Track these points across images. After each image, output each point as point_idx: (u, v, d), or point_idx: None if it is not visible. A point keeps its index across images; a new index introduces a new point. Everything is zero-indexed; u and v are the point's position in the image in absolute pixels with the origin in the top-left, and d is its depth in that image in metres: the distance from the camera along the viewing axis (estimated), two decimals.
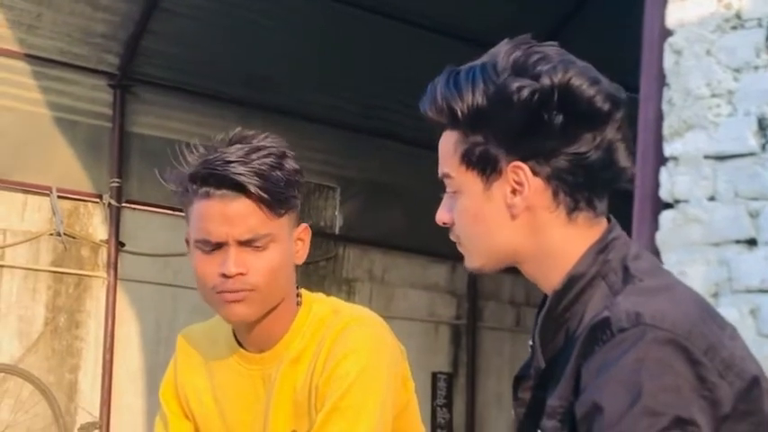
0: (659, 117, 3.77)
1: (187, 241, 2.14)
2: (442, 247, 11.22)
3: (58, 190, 7.92)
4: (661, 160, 3.75)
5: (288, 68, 8.60)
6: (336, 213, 9.56)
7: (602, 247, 1.62)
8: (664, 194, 3.73)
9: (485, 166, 1.62)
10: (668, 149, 3.74)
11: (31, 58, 7.75)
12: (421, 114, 1.75)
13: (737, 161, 3.63)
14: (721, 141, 3.66)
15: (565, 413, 1.55)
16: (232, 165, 2.04)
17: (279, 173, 2.06)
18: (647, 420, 1.44)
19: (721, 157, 3.66)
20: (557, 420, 1.56)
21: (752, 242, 3.59)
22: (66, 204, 8.04)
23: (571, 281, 1.61)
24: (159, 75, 8.28)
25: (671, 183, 3.73)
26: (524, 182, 1.61)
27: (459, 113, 1.63)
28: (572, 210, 1.62)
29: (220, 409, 2.21)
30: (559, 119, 1.59)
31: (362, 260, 9.69)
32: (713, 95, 3.68)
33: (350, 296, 9.14)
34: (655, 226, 3.74)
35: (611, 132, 1.62)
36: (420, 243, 9.73)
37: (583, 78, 1.60)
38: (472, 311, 10.28)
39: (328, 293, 2.28)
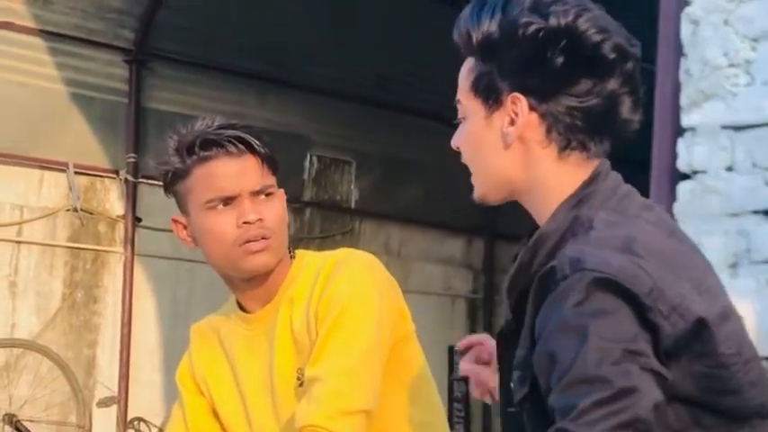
0: (677, 88, 3.76)
1: (175, 222, 2.25)
2: (458, 221, 11.21)
3: (75, 166, 7.93)
4: (678, 131, 3.74)
5: (303, 42, 8.58)
6: (352, 187, 9.55)
7: (575, 201, 1.65)
8: (681, 165, 3.72)
9: (489, 95, 1.68)
10: (686, 120, 3.73)
11: (46, 33, 7.74)
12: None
13: (755, 131, 3.61)
14: (739, 111, 3.64)
15: (527, 363, 1.59)
16: (225, 128, 2.19)
17: (261, 137, 2.23)
18: (597, 356, 1.48)
19: (739, 128, 3.64)
20: (521, 370, 1.61)
21: None
22: (83, 180, 8.05)
23: (541, 237, 1.65)
24: (175, 49, 8.27)
25: (688, 153, 3.71)
26: (520, 113, 1.65)
27: (475, 41, 1.68)
28: (563, 148, 1.66)
29: (235, 376, 2.27)
30: (560, 60, 1.63)
31: (378, 234, 9.69)
32: (731, 65, 3.66)
33: None
34: (672, 197, 3.73)
35: (614, 83, 1.65)
36: (436, 217, 9.72)
37: (592, 24, 1.63)
38: (488, 285, 10.28)
39: None
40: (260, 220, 2.17)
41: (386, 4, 8.66)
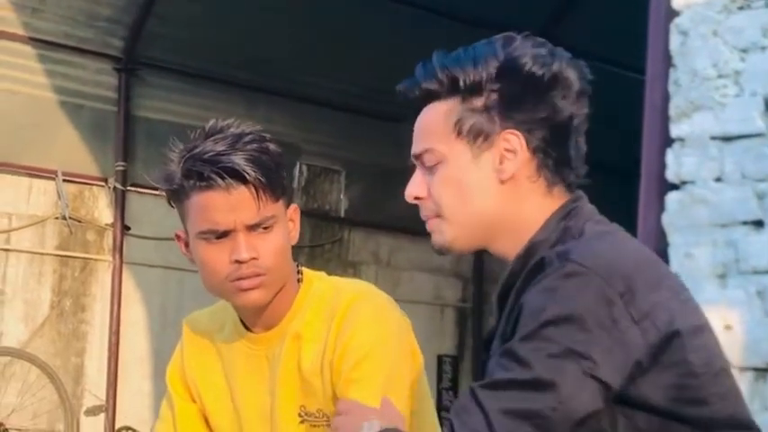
0: (666, 98, 3.76)
1: (178, 237, 2.18)
2: None
3: (64, 174, 7.92)
4: (667, 141, 3.75)
5: (293, 52, 8.58)
6: (342, 197, 9.55)
7: (563, 214, 1.71)
8: (670, 176, 3.73)
9: (478, 134, 1.71)
10: (675, 131, 3.73)
11: (35, 41, 7.74)
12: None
13: (744, 142, 3.62)
14: (728, 122, 3.65)
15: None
16: (224, 155, 2.07)
17: (267, 157, 2.11)
18: (536, 344, 1.52)
19: (728, 138, 3.65)
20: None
21: (759, 223, 3.58)
22: (72, 188, 8.04)
23: (533, 246, 1.69)
24: (164, 58, 8.27)
25: (677, 164, 3.72)
26: (517, 149, 1.69)
27: (462, 81, 1.71)
28: (551, 182, 1.71)
29: (231, 390, 2.23)
30: (558, 96, 1.70)
31: (368, 243, 9.70)
32: (720, 76, 3.67)
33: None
34: (661, 207, 3.73)
35: (583, 122, 1.75)
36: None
37: (578, 70, 1.74)
38: (478, 294, 10.28)
39: None
40: (254, 258, 2.08)
41: (376, 14, 8.67)
